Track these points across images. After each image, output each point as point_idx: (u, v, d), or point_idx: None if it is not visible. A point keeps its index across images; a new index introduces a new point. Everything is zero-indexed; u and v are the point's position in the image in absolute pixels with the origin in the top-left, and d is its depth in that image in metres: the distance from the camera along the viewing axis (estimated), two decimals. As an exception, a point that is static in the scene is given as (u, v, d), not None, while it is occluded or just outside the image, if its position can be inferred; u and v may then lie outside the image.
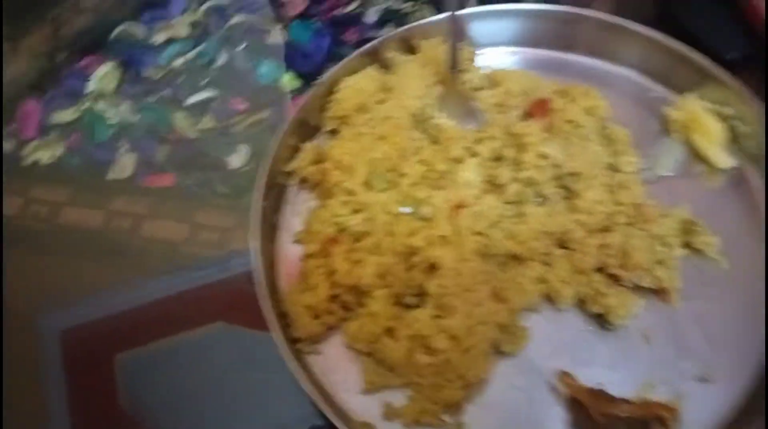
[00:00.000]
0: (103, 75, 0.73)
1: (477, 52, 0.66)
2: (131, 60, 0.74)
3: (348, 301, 0.52)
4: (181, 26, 0.76)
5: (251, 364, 0.54)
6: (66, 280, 0.60)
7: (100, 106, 0.71)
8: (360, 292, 0.52)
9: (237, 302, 0.57)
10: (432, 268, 0.51)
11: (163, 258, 0.60)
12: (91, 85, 0.72)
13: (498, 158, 0.57)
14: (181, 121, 0.70)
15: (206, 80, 0.72)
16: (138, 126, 0.70)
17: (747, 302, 0.53)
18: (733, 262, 0.54)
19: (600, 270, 0.52)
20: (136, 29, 0.76)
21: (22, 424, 0.54)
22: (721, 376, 0.50)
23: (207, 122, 0.69)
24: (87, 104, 0.71)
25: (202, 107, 0.70)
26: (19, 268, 0.60)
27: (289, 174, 0.59)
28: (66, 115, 0.70)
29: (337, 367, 0.52)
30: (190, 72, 0.73)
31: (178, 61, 0.74)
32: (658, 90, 0.64)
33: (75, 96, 0.71)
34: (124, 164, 0.67)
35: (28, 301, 0.59)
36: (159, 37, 0.76)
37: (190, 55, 0.75)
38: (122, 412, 0.54)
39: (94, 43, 0.75)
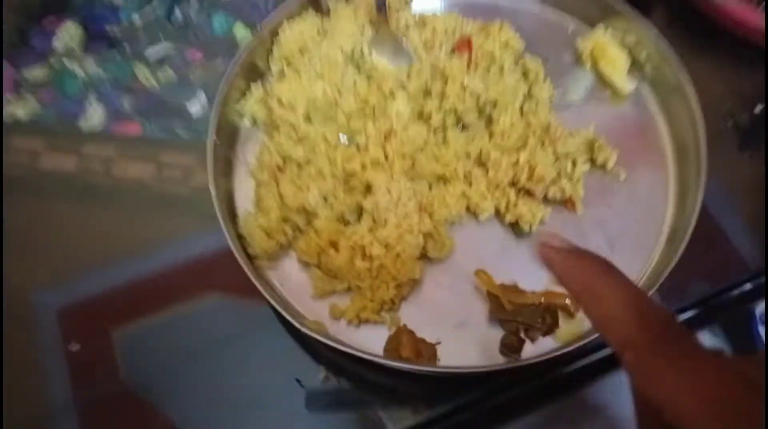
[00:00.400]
0: (67, 33, 0.78)
1: (409, -3, 0.72)
2: (92, 18, 0.79)
3: (296, 221, 0.59)
4: (137, -17, 0.81)
5: (247, 331, 0.59)
6: (47, 227, 0.66)
7: (67, 62, 0.76)
8: (306, 213, 0.59)
9: (229, 272, 0.59)
10: (367, 188, 0.59)
11: (134, 195, 0.67)
12: (56, 43, 0.77)
13: (425, 91, 0.64)
14: (143, 72, 0.75)
15: (163, 34, 0.78)
16: (103, 79, 0.75)
17: (641, 207, 0.62)
18: (629, 173, 0.63)
19: (513, 184, 0.60)
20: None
21: (25, 404, 0.57)
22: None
23: (166, 72, 0.75)
24: (54, 61, 0.76)
25: (161, 59, 0.76)
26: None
27: (240, 114, 0.66)
28: (36, 72, 0.76)
29: (291, 278, 0.59)
30: (147, 27, 0.78)
31: (135, 17, 0.79)
32: (572, 23, 0.71)
33: (42, 54, 0.77)
34: (93, 114, 0.73)
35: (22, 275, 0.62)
36: (117, -5, 0.81)
37: (147, 10, 0.80)
38: (125, 387, 0.57)
39: (55, 4, 0.80)
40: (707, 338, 1.32)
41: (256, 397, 0.58)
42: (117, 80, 0.75)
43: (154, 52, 0.77)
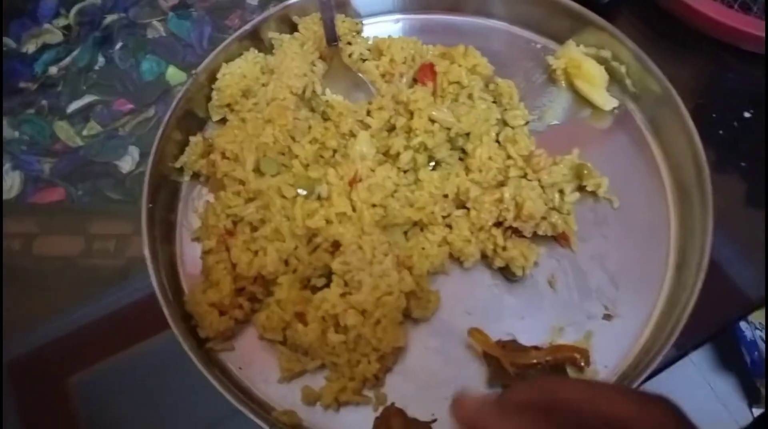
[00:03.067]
0: (-28, 93, 0.68)
1: (362, 22, 0.65)
2: (4, 73, 0.70)
3: (254, 292, 0.51)
4: (52, 33, 0.72)
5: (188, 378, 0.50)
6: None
7: (-27, 127, 0.66)
8: (265, 282, 0.51)
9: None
10: (335, 246, 0.51)
11: (59, 275, 0.57)
12: (-40, 106, 0.67)
13: (389, 128, 0.57)
14: (63, 130, 0.66)
15: (86, 85, 0.69)
16: (19, 141, 0.66)
17: (641, 237, 0.55)
18: (623, 199, 0.56)
19: (499, 224, 0.53)
20: (5, 41, 0.72)
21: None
22: (625, 312, 0.52)
23: (92, 128, 0.66)
24: (-42, 127, 0.66)
25: (85, 113, 0.67)
26: None
27: (181, 170, 0.58)
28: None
29: (253, 360, 0.51)
30: (67, 78, 0.70)
31: (53, 69, 0.70)
32: (540, 41, 0.65)
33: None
34: (10, 183, 0.63)
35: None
36: (30, 46, 0.72)
37: (66, 61, 0.71)
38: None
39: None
40: (697, 354, 1.28)
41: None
42: (34, 141, 0.66)
43: (75, 106, 0.68)
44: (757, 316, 1.24)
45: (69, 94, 0.69)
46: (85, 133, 0.66)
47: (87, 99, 0.68)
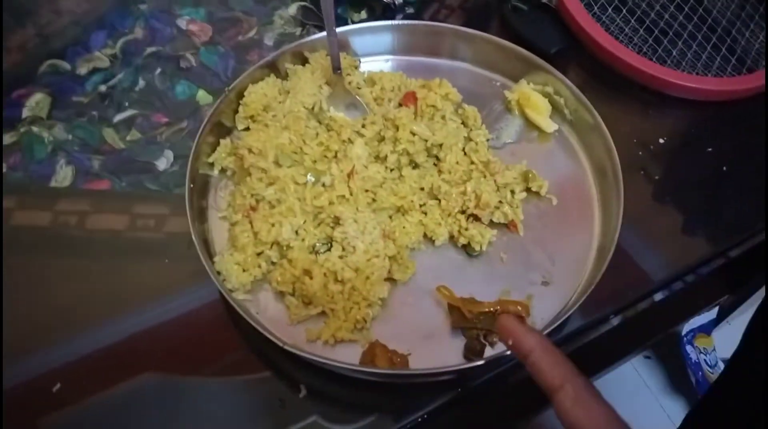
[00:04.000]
0: (35, 103, 0.82)
1: (359, 60, 0.82)
2: (60, 89, 0.84)
3: (270, 256, 0.65)
4: (101, 59, 0.87)
5: (183, 412, 0.58)
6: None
7: (36, 129, 0.80)
8: (280, 247, 0.65)
9: (162, 350, 0.62)
10: (335, 221, 0.66)
11: (108, 245, 0.70)
12: (26, 112, 0.81)
13: (380, 138, 0.72)
14: (110, 135, 0.80)
15: (129, 101, 0.84)
16: (72, 142, 0.80)
17: (573, 226, 0.71)
18: (560, 199, 0.72)
19: (463, 212, 0.68)
20: (61, 63, 0.87)
21: None
22: (558, 281, 0.67)
23: (134, 135, 0.80)
24: (23, 129, 0.80)
25: (128, 123, 0.81)
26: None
27: (212, 165, 0.72)
28: (5, 139, 0.79)
29: (267, 308, 0.64)
30: (114, 96, 0.84)
31: (102, 88, 0.85)
32: (499, 79, 0.83)
33: (12, 122, 0.81)
34: (64, 174, 0.77)
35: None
36: (83, 69, 0.86)
37: (113, 82, 0.86)
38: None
39: (24, 78, 0.85)
40: (651, 378, 1.40)
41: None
42: (85, 143, 0.80)
43: (120, 116, 0.82)
44: (703, 343, 1.38)
45: (115, 108, 0.83)
46: (128, 138, 0.80)
47: (130, 112, 0.82)
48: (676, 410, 1.44)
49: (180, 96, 0.85)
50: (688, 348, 1.38)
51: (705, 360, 1.37)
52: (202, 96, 0.85)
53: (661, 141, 0.80)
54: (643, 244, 0.72)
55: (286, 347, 0.56)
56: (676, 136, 0.81)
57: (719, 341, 1.37)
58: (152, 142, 0.80)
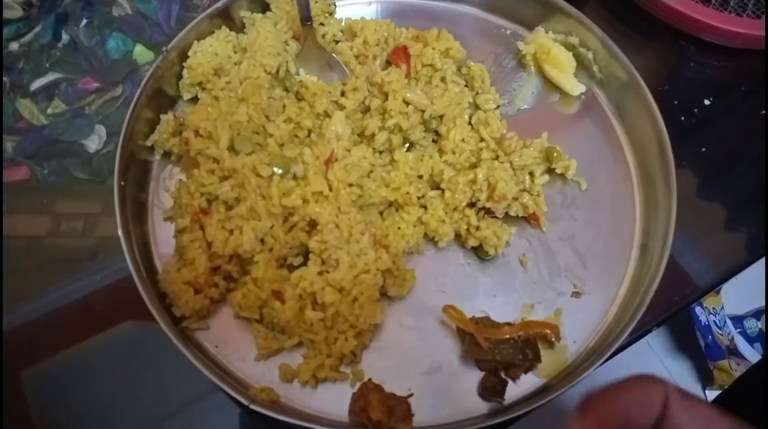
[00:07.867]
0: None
1: (334, 4, 0.65)
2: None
3: (229, 270, 0.51)
4: (11, 7, 0.70)
5: (164, 358, 0.50)
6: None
7: (-70, 103, 0.64)
8: (241, 260, 0.51)
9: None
10: (311, 225, 0.51)
11: (26, 254, 0.56)
12: None
13: (364, 109, 0.57)
14: (27, 108, 0.64)
15: (49, 62, 0.67)
16: (-22, 120, 0.64)
17: (607, 218, 0.57)
18: (590, 181, 0.58)
19: (472, 205, 0.54)
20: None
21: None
22: (593, 289, 0.54)
23: (56, 106, 0.65)
24: None
25: (49, 91, 0.66)
26: None
27: (151, 148, 0.57)
28: None
29: (229, 339, 0.51)
30: (30, 55, 0.68)
31: (14, 45, 0.68)
32: (510, 27, 0.67)
33: None
34: (-32, 163, 0.61)
35: None
36: (-12, 21, 0.69)
37: (28, 37, 0.69)
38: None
39: None
40: (655, 338, 1.32)
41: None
42: (-4, 120, 0.64)
43: (39, 83, 0.66)
44: (711, 303, 1.29)
45: (32, 72, 0.67)
46: (49, 111, 0.64)
47: (51, 77, 0.66)
48: (681, 371, 1.36)
49: (113, 54, 0.68)
50: (698, 310, 1.29)
51: (714, 321, 1.29)
52: (141, 53, 0.68)
53: (707, 102, 0.65)
54: (685, 241, 0.58)
55: (252, 406, 0.43)
56: (723, 95, 0.66)
57: (727, 298, 1.28)
58: (79, 115, 0.64)
